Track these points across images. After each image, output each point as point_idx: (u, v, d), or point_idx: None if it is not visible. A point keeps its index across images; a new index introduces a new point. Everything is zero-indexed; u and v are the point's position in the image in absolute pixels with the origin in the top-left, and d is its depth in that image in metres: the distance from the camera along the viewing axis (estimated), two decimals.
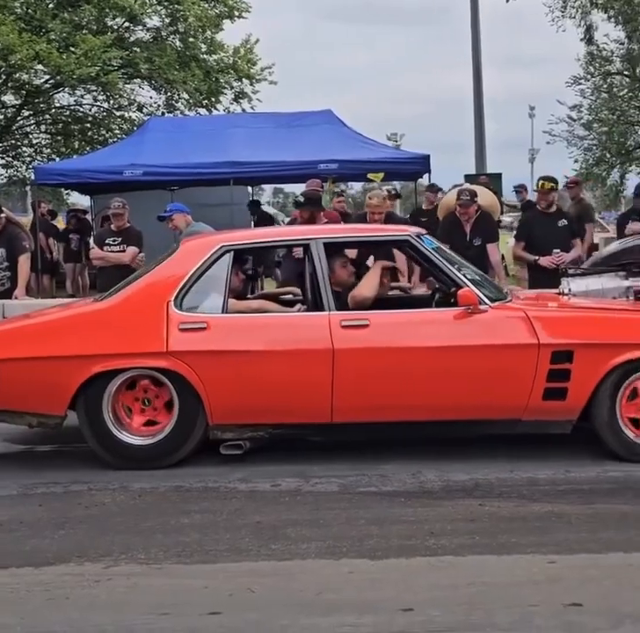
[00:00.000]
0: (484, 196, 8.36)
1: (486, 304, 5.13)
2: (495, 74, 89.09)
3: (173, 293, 5.22)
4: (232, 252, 5.42)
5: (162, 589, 3.58)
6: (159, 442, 5.20)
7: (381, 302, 5.58)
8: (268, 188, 44.39)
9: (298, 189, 10.19)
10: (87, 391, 5.17)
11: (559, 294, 6.05)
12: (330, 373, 5.04)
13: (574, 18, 24.02)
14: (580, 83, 26.27)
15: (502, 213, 10.92)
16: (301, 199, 7.90)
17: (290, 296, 6.28)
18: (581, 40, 26.45)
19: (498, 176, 15.03)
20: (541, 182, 8.06)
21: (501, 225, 13.08)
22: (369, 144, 12.59)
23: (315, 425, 5.27)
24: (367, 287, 5.49)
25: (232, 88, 20.65)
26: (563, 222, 7.99)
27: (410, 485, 4.79)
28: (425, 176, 12.04)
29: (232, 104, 20.77)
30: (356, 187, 42.47)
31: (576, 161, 26.51)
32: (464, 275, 5.35)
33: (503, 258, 12.04)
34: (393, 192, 8.42)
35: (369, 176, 11.49)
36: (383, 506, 4.46)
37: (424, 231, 5.83)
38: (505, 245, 13.53)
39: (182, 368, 5.08)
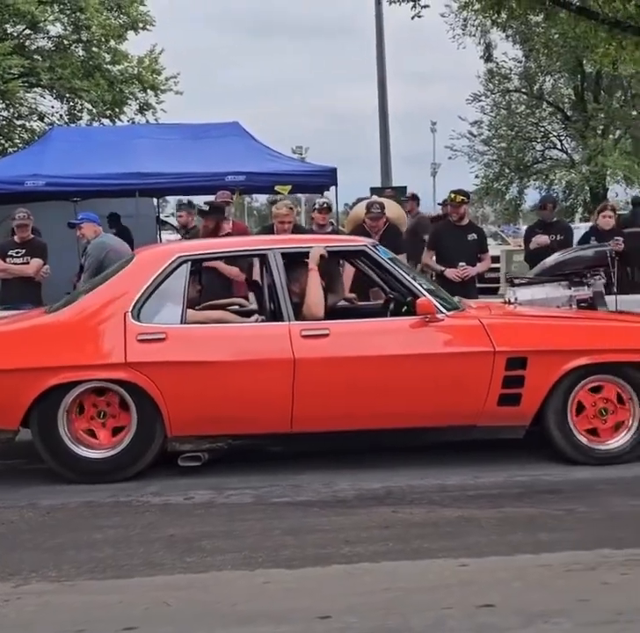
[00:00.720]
0: (391, 209, 8.50)
1: (443, 313, 5.22)
2: (399, 88, 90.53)
3: (131, 303, 5.13)
4: (189, 263, 5.39)
5: (74, 606, 3.51)
6: (117, 455, 5.11)
7: (337, 311, 5.65)
8: (172, 200, 44.04)
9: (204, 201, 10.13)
10: (41, 405, 5.03)
11: (505, 302, 6.21)
12: (291, 382, 5.05)
13: (474, 36, 24.73)
14: (480, 100, 27.11)
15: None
16: (206, 207, 7.88)
17: (236, 307, 6.19)
18: (481, 57, 27.27)
19: (403, 189, 15.27)
20: (452, 195, 8.21)
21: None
22: (276, 157, 12.64)
23: (274, 434, 5.30)
24: (315, 301, 5.37)
25: (137, 99, 20.48)
26: (472, 236, 8.16)
27: (323, 495, 4.82)
28: (332, 189, 12.14)
29: (137, 115, 20.61)
30: (261, 200, 42.59)
31: (476, 176, 27.29)
32: (420, 285, 5.44)
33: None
34: (324, 205, 8.45)
35: (277, 188, 11.54)
36: (298, 516, 4.48)
37: (376, 242, 5.86)
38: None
39: (141, 380, 5.02)
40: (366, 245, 5.65)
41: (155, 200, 15.56)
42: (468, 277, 7.91)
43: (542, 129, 27.43)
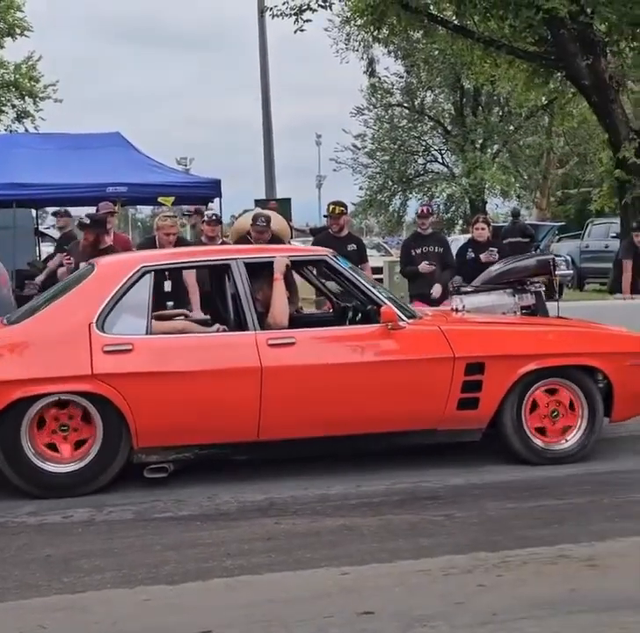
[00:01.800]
0: (276, 221, 8.51)
1: (404, 321, 5.35)
2: (285, 101, 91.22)
3: (95, 314, 5.06)
4: (152, 273, 5.36)
5: None
6: (82, 469, 5.01)
7: (294, 320, 5.69)
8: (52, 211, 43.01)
9: (85, 213, 9.96)
10: (3, 419, 4.89)
11: (452, 310, 6.35)
12: (259, 391, 5.08)
13: (357, 51, 25.13)
14: (364, 114, 27.55)
15: (291, 237, 11.16)
16: (87, 220, 7.73)
17: (182, 317, 6.07)
18: (364, 72, 27.75)
19: (288, 201, 15.35)
20: (331, 206, 8.32)
21: None
22: (159, 168, 12.52)
23: (241, 443, 5.35)
24: (280, 310, 5.44)
25: (14, 106, 19.91)
26: (352, 247, 8.26)
27: (206, 508, 4.79)
28: (216, 200, 12.10)
29: (14, 123, 20.03)
30: (145, 211, 42.02)
31: (360, 188, 27.67)
32: (380, 293, 5.55)
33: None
34: (213, 217, 8.40)
35: (160, 200, 11.42)
36: (179, 531, 4.43)
37: (335, 252, 5.98)
38: None
39: (108, 391, 4.94)
40: (327, 255, 5.77)
41: (34, 211, 15.15)
42: None
43: (424, 143, 28.06)
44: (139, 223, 60.71)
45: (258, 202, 13.94)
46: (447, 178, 27.31)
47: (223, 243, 8.47)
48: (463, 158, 26.14)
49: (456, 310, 6.32)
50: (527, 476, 5.26)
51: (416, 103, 27.70)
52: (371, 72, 27.92)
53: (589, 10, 10.30)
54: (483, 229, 8.89)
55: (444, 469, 5.39)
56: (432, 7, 11.55)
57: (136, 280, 5.24)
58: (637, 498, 4.82)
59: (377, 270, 14.93)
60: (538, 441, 5.46)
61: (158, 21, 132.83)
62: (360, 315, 5.58)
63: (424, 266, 8.45)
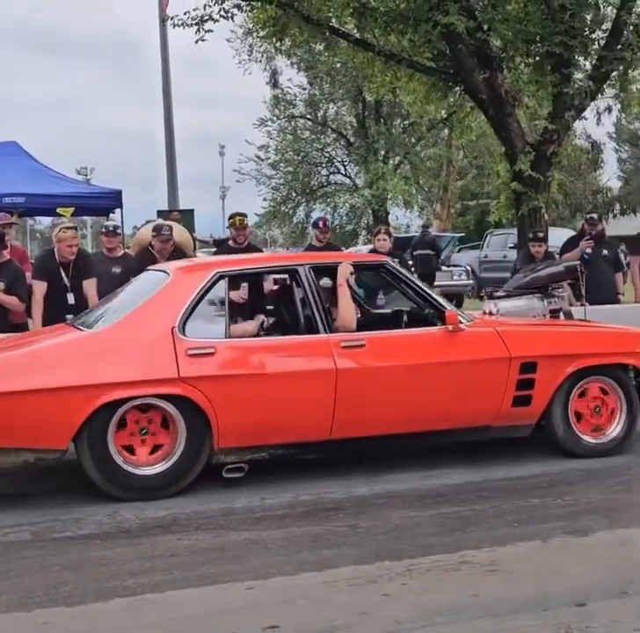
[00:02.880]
0: (178, 232, 8.42)
1: (464, 324, 5.63)
2: (188, 111, 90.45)
3: (176, 319, 5.18)
4: (227, 278, 5.50)
5: None
6: (167, 471, 5.11)
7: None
8: None
9: None
10: (91, 422, 4.92)
11: (484, 313, 6.67)
12: (333, 392, 5.28)
13: (260, 62, 25.14)
14: (267, 125, 27.52)
15: (195, 248, 11.06)
16: None
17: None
18: (267, 83, 27.78)
19: (191, 212, 15.23)
20: (237, 218, 8.25)
21: None
22: (58, 178, 12.26)
23: (312, 443, 5.47)
24: (348, 314, 5.64)
25: None
26: None
27: (106, 526, 4.68)
28: (117, 211, 11.91)
29: None
30: (45, 222, 41.06)
31: (264, 199, 27.63)
32: (439, 298, 5.91)
33: None
34: (111, 228, 8.27)
35: (59, 211, 11.18)
36: (79, 551, 4.32)
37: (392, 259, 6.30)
38: None
39: (193, 393, 5.06)
40: (386, 261, 6.03)
41: None
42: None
43: (327, 154, 28.22)
44: (38, 234, 59.27)
45: (160, 213, 13.77)
46: (350, 189, 27.56)
47: (125, 255, 8.35)
48: (366, 169, 26.42)
49: (490, 314, 6.68)
50: (429, 485, 5.33)
51: (319, 115, 27.85)
52: (274, 83, 27.98)
53: (486, 27, 10.55)
54: (384, 240, 8.99)
55: (347, 480, 5.41)
56: (333, 20, 11.64)
57: (212, 286, 5.42)
58: (535, 502, 4.94)
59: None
60: (583, 435, 5.83)
61: (60, 29, 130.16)
62: (407, 318, 6.01)
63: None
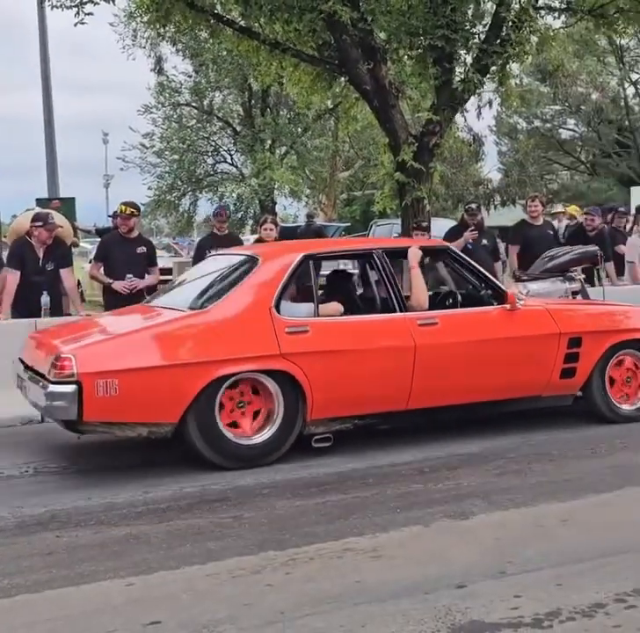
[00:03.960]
0: (56, 220, 8.18)
1: (520, 302, 6.27)
2: (69, 96, 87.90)
3: (272, 300, 5.58)
4: (313, 261, 5.96)
5: None
6: (267, 441, 5.48)
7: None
8: None
9: None
10: (200, 397, 5.22)
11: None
12: (412, 366, 5.80)
13: (144, 48, 24.60)
14: (152, 112, 27.00)
15: (75, 236, 10.77)
16: None
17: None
18: (151, 70, 27.26)
19: (72, 200, 14.82)
20: (122, 207, 8.09)
21: (77, 251, 12.93)
22: None
23: (391, 413, 5.93)
24: (422, 294, 6.21)
25: None
26: (142, 249, 8.09)
27: None
28: None
29: None
30: None
31: (149, 188, 27.15)
32: (497, 281, 6.61)
33: (80, 283, 11.92)
34: None
35: None
36: None
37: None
38: (82, 271, 13.40)
39: (292, 368, 5.48)
40: (448, 246, 6.82)
41: None
42: (136, 289, 7.84)
43: (213, 143, 27.94)
44: None
45: (39, 201, 13.35)
46: (237, 179, 27.37)
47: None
48: (253, 159, 26.28)
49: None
50: (314, 473, 5.36)
51: (205, 103, 27.51)
52: (159, 70, 27.47)
53: (369, 18, 10.61)
54: (271, 229, 8.97)
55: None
56: (218, 7, 11.48)
57: (301, 268, 5.86)
58: (417, 488, 5.03)
59: (167, 271, 14.76)
60: (618, 403, 6.49)
61: None
62: (460, 299, 6.54)
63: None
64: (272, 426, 5.51)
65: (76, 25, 10.53)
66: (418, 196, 10.61)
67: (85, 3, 10.34)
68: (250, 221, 27.34)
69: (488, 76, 11.22)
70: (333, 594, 3.58)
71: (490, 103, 12.67)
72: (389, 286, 6.02)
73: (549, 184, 39.83)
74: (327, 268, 7.07)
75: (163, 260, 15.55)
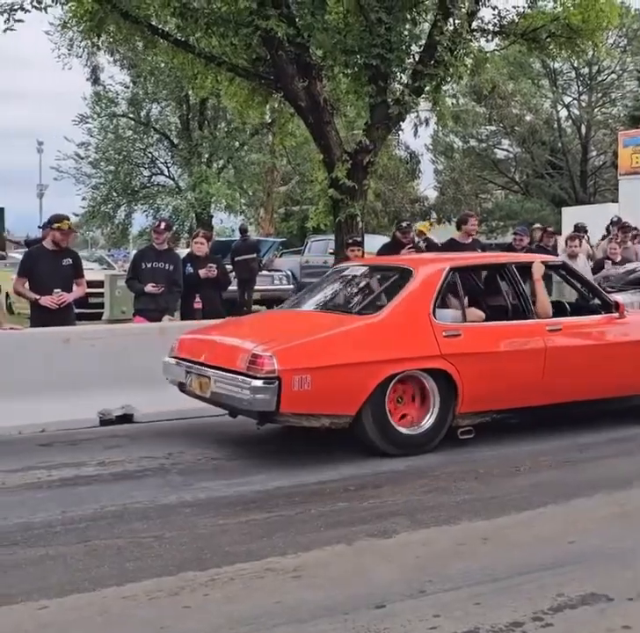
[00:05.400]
0: None
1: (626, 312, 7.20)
2: (2, 105, 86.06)
3: (430, 307, 6.30)
4: (457, 271, 6.74)
5: None
6: (425, 431, 6.21)
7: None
8: None
9: None
10: (375, 391, 5.93)
11: None
12: (542, 366, 6.57)
13: (81, 57, 24.35)
14: (88, 122, 26.74)
15: (4, 248, 10.56)
16: None
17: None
18: (88, 79, 26.99)
19: (1, 210, 14.55)
20: (65, 221, 7.86)
21: (8, 262, 12.67)
22: None
23: (522, 408, 6.68)
24: (547, 303, 7.00)
25: None
26: (67, 261, 7.91)
27: None
28: None
29: None
30: None
31: (84, 198, 26.83)
32: (605, 291, 7.49)
33: (8, 295, 11.68)
34: None
35: None
36: None
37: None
38: (10, 282, 13.12)
39: (449, 367, 6.21)
40: (564, 262, 7.80)
41: None
42: (64, 304, 7.69)
43: (150, 155, 27.76)
44: None
45: None
46: (173, 191, 27.20)
47: None
48: (189, 172, 26.17)
49: None
50: (240, 491, 5.30)
51: (142, 114, 27.33)
52: (95, 80, 27.23)
53: (305, 35, 10.64)
54: (202, 243, 8.92)
55: (154, 490, 5.30)
56: (153, 18, 11.40)
57: (449, 279, 6.58)
58: (342, 506, 5.00)
59: (98, 283, 14.56)
60: None
61: None
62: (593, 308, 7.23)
63: (150, 288, 8.32)
64: (429, 418, 6.21)
65: (5, 31, 10.35)
66: (352, 213, 10.67)
67: (16, 10, 10.18)
68: (186, 235, 27.17)
69: (422, 96, 11.36)
70: (252, 615, 3.53)
71: (426, 121, 12.85)
72: (520, 295, 6.86)
73: (483, 203, 40.52)
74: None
75: (95, 273, 15.35)
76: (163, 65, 23.12)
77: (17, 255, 17.86)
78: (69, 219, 8.03)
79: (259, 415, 5.84)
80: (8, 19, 10.27)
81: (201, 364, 6.32)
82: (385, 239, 14.28)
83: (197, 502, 5.08)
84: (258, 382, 5.66)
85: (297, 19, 10.77)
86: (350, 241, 9.64)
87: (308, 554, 4.23)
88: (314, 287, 7.63)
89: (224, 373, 6.00)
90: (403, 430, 6.14)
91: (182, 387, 6.61)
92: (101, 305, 14.97)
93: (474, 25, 11.41)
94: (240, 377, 5.79)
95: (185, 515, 4.83)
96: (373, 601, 3.64)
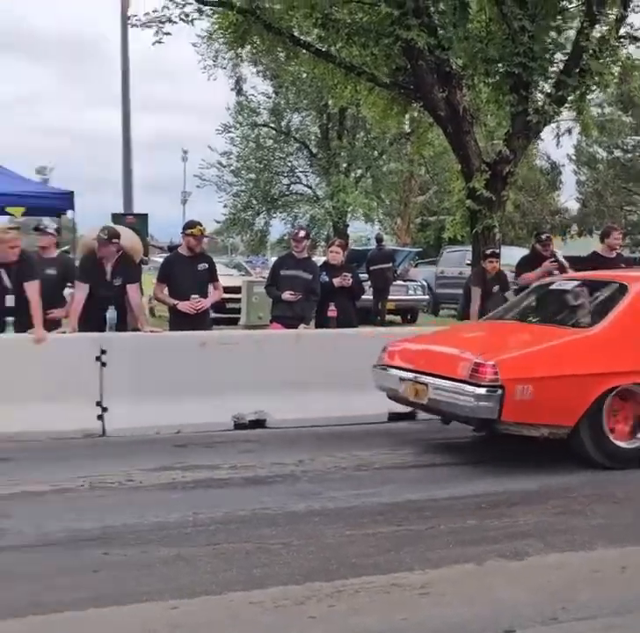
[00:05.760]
0: (127, 236, 8.28)
1: None
2: (148, 114, 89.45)
3: None
4: None
5: None
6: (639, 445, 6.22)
7: None
8: None
9: None
10: (594, 403, 6.03)
11: None
12: None
13: (225, 68, 25.01)
14: (230, 131, 27.43)
15: (146, 254, 10.91)
16: None
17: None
18: (231, 90, 27.68)
19: (145, 216, 15.06)
20: (197, 227, 8.07)
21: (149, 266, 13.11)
22: (10, 177, 12.00)
23: None
24: None
25: None
26: (203, 266, 8.11)
27: (32, 538, 4.52)
28: (69, 212, 11.71)
29: None
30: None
31: (225, 206, 27.51)
32: None
33: (150, 299, 12.06)
34: (40, 227, 8.15)
35: (8, 210, 10.95)
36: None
37: None
38: (153, 286, 13.54)
39: None
40: None
41: None
42: (202, 309, 7.88)
43: (289, 164, 28.19)
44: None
45: (114, 216, 13.60)
46: (311, 200, 27.52)
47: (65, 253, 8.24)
48: (327, 181, 26.42)
49: None
50: (368, 503, 5.26)
51: (282, 124, 27.82)
52: (238, 90, 27.89)
53: (446, 45, 10.56)
54: (337, 252, 8.94)
55: (284, 496, 5.33)
56: (295, 29, 11.59)
57: None
58: (473, 524, 4.89)
59: (236, 289, 14.87)
60: None
61: (17, 28, 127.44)
62: None
63: (287, 296, 8.42)
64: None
65: (154, 43, 10.76)
66: (489, 224, 10.50)
67: (164, 23, 10.55)
68: (322, 243, 27.42)
69: (566, 105, 11.07)
70: (376, 630, 3.49)
71: (569, 131, 12.47)
72: None
73: (628, 215, 39.06)
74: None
75: (233, 279, 15.70)
76: (304, 75, 23.47)
77: (159, 259, 18.47)
78: (201, 225, 8.24)
79: (479, 422, 6.06)
80: (157, 32, 10.67)
81: (418, 372, 6.53)
82: (523, 251, 13.98)
83: (325, 511, 5.08)
84: (482, 390, 5.86)
85: (438, 29, 10.70)
86: (488, 252, 9.49)
87: (436, 571, 4.15)
88: (519, 301, 7.79)
89: (443, 381, 6.20)
90: (619, 443, 6.16)
91: (393, 394, 6.90)
92: (238, 310, 15.29)
93: (622, 31, 11.04)
94: (463, 385, 5.98)
95: (313, 524, 4.83)
96: (501, 625, 3.53)
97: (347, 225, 26.95)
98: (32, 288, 7.12)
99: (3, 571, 4.06)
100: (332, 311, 8.75)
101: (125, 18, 14.31)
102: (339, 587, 3.92)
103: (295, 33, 11.74)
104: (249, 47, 12.28)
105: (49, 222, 8.69)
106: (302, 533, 4.67)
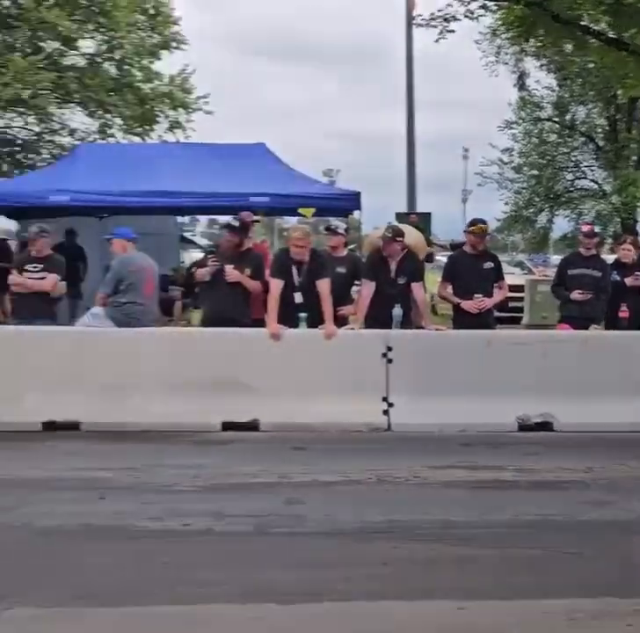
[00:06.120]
0: (411, 235, 8.36)
1: None
2: (428, 115, 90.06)
3: None
4: None
5: None
6: None
7: None
8: (203, 219, 44.14)
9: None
10: None
11: None
12: None
13: (507, 64, 24.65)
14: (512, 128, 26.95)
15: (431, 253, 10.98)
16: (236, 223, 7.90)
17: None
18: (514, 85, 27.20)
19: (428, 215, 15.20)
20: (479, 226, 8.02)
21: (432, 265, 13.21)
22: (301, 179, 12.57)
23: None
24: None
25: (167, 116, 20.51)
26: (488, 265, 8.02)
27: (325, 526, 4.69)
28: (356, 212, 12.06)
29: (166, 133, 20.65)
30: (292, 222, 42.50)
31: (506, 203, 27.09)
32: None
33: (432, 296, 12.14)
34: (330, 227, 8.49)
35: (300, 211, 11.47)
36: (301, 548, 4.35)
37: None
38: (435, 284, 13.63)
39: None
40: None
41: (179, 218, 15.59)
42: (485, 308, 7.80)
43: (574, 159, 27.23)
44: (284, 233, 61.64)
45: (398, 215, 13.85)
46: (596, 196, 26.39)
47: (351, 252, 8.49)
48: (615, 175, 25.19)
49: None
50: None
51: (566, 117, 26.93)
52: (521, 85, 27.34)
53: None
54: (628, 250, 8.47)
55: (572, 502, 5.15)
56: (584, 18, 11.15)
57: None
58: None
59: (518, 288, 14.56)
60: None
61: (304, 37, 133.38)
62: None
63: (576, 295, 8.12)
64: None
65: (436, 40, 10.80)
66: None
67: (449, 21, 10.57)
68: (609, 240, 26.18)
69: None
70: None
71: None
72: None
73: None
74: None
75: (515, 277, 15.41)
76: (591, 66, 22.51)
77: (442, 258, 18.57)
78: (484, 222, 8.14)
79: None
80: (441, 31, 10.72)
81: None
82: None
83: (619, 522, 4.82)
84: None
85: None
86: None
87: None
88: None
89: None
90: None
91: None
92: (520, 310, 14.98)
93: None
94: None
95: (607, 534, 4.59)
96: None
97: (637, 221, 25.52)
98: (324, 285, 7.41)
99: (300, 558, 4.23)
100: (624, 312, 8.31)
101: (410, 19, 14.49)
102: (635, 606, 3.68)
103: (584, 23, 11.29)
104: (533, 40, 11.99)
105: (339, 223, 8.97)
106: (595, 543, 4.46)
